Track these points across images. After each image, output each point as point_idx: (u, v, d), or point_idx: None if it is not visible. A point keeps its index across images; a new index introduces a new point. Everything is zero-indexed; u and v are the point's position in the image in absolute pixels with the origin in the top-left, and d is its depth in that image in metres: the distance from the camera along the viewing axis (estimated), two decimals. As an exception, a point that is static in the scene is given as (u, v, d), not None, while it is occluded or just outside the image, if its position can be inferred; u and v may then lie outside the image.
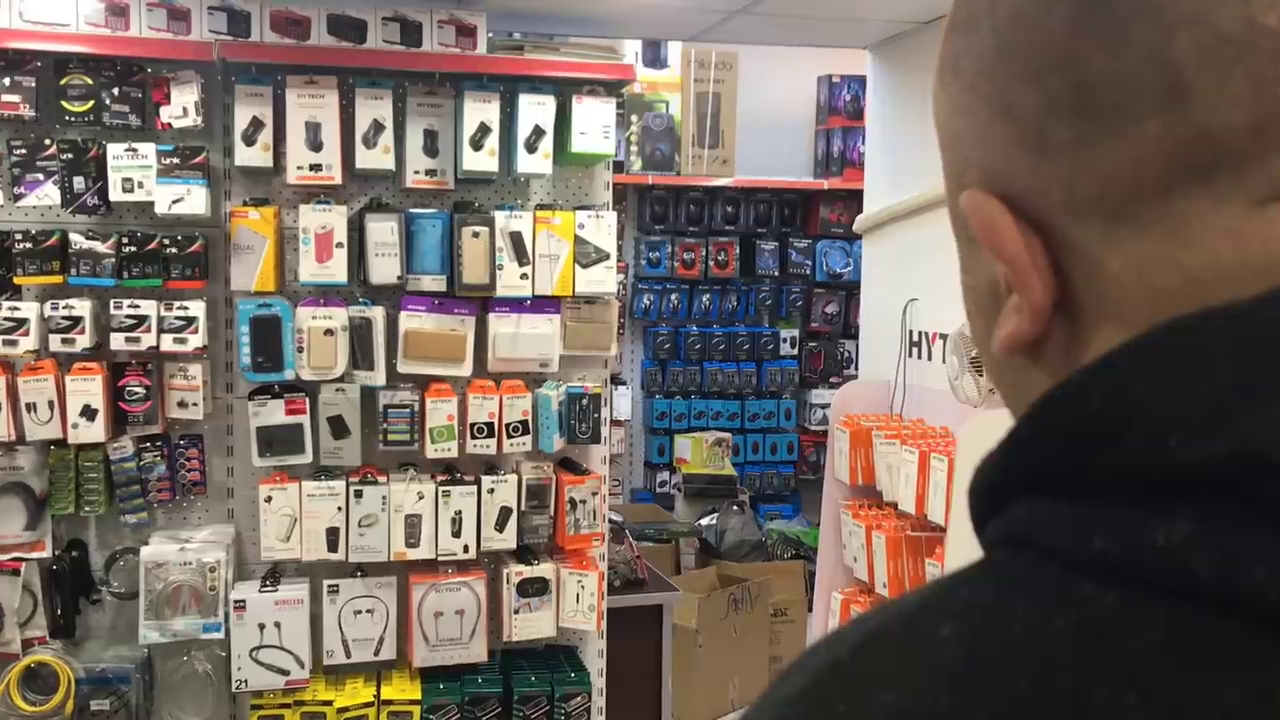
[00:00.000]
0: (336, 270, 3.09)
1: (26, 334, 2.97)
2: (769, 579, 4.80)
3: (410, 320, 3.17)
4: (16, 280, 2.98)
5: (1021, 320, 0.50)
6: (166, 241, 3.04)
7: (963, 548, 2.83)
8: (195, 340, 3.05)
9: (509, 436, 3.23)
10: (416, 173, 3.17)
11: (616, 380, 5.71)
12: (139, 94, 3.03)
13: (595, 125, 3.25)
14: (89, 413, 3.00)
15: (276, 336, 3.09)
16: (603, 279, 3.29)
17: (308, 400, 3.14)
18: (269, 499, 3.12)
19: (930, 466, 3.25)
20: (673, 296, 5.98)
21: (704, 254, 5.95)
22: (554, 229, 3.23)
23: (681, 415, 6.05)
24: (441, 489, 3.20)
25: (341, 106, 3.09)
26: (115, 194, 3.01)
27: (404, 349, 3.17)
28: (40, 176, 2.99)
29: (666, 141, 5.73)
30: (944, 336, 3.43)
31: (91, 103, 3.01)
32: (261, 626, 3.12)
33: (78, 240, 3.00)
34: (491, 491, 3.24)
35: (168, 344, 3.05)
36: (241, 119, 3.05)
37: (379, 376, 3.16)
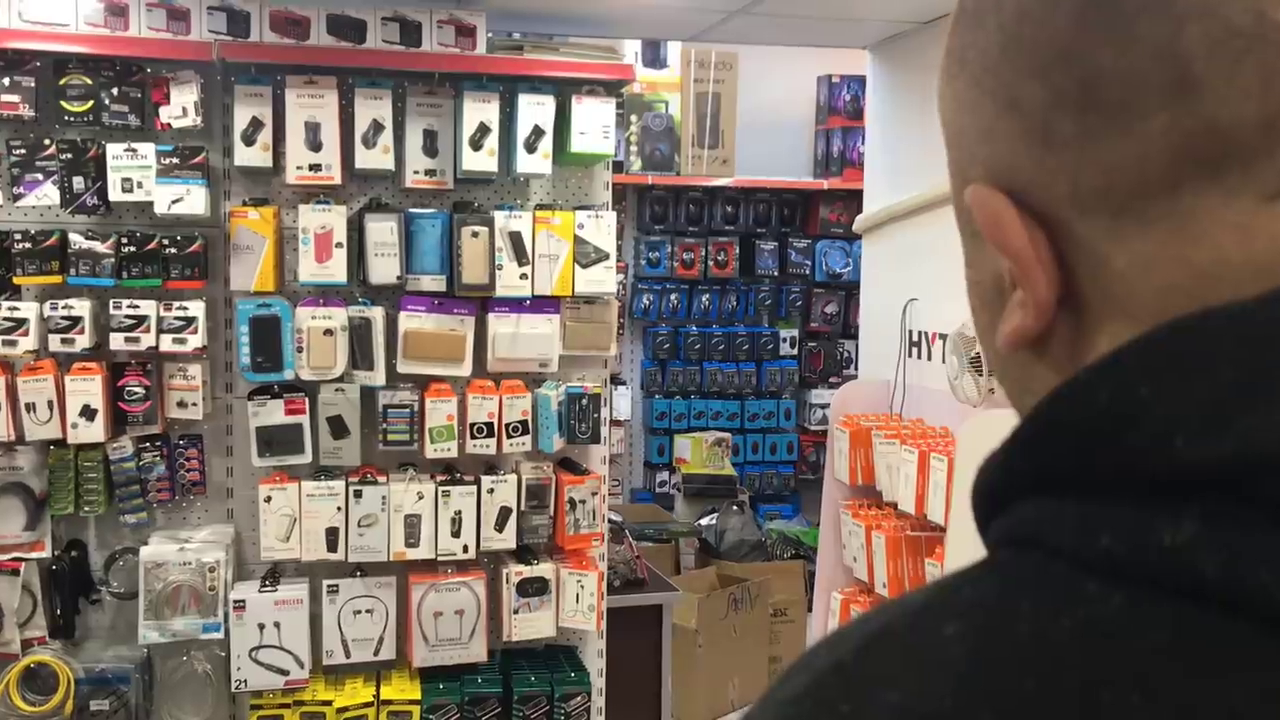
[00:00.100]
0: (336, 270, 3.09)
1: (26, 334, 2.96)
2: (769, 579, 4.80)
3: (410, 320, 3.17)
4: (16, 280, 2.98)
5: (1026, 315, 0.49)
6: (166, 241, 3.04)
7: (963, 548, 2.83)
8: (195, 340, 3.05)
9: (509, 436, 3.23)
10: (416, 173, 3.17)
11: (616, 380, 5.71)
12: (138, 94, 3.03)
13: (595, 125, 3.25)
14: (88, 413, 2.99)
15: (276, 336, 3.08)
16: (602, 279, 3.28)
17: (307, 400, 3.14)
18: (268, 499, 3.12)
19: (930, 466, 3.25)
20: (672, 296, 5.98)
21: (703, 254, 5.95)
22: (553, 229, 3.23)
23: (681, 415, 6.05)
24: (441, 489, 3.20)
25: (341, 106, 3.09)
26: (115, 194, 3.01)
27: (403, 349, 3.17)
28: (40, 176, 2.99)
29: (666, 141, 5.73)
30: (944, 336, 3.43)
31: (91, 103, 3.01)
32: (261, 626, 3.12)
33: (77, 240, 3.00)
34: (491, 491, 3.24)
35: (167, 344, 3.04)
36: (241, 119, 3.05)
37: (379, 376, 3.16)
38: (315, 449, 3.16)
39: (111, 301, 3.02)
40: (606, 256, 3.28)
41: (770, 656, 4.75)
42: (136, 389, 3.07)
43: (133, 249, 3.02)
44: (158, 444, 3.14)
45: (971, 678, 0.42)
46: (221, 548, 3.13)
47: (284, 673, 3.15)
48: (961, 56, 0.52)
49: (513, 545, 3.29)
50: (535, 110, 3.19)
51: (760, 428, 6.16)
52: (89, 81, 3.01)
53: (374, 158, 3.10)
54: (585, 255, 3.26)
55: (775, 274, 6.07)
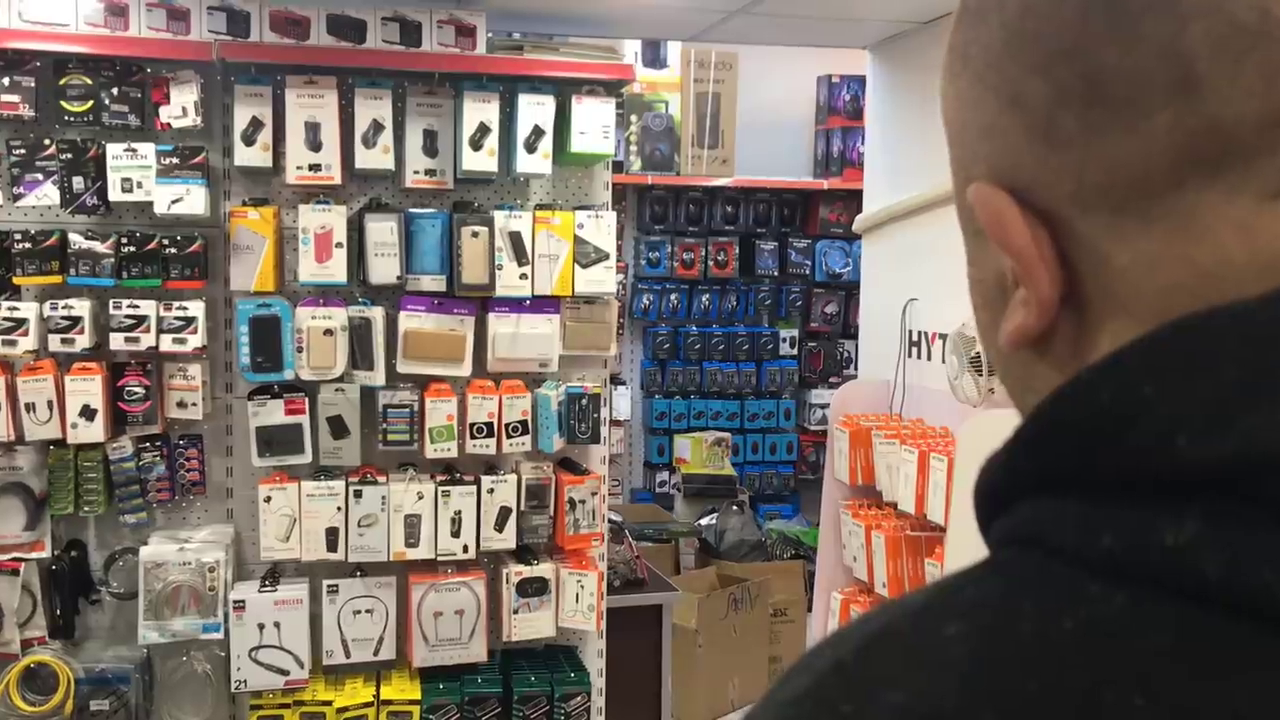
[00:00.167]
0: (336, 270, 3.09)
1: (26, 334, 2.96)
2: (769, 579, 4.80)
3: (410, 320, 3.17)
4: (16, 280, 2.98)
5: (1029, 314, 0.49)
6: (166, 241, 3.04)
7: (962, 548, 2.83)
8: (195, 340, 3.04)
9: (508, 436, 3.23)
10: (416, 173, 3.17)
11: (616, 380, 5.71)
12: (138, 94, 3.03)
13: (595, 125, 3.24)
14: (88, 413, 2.99)
15: (276, 336, 3.08)
16: (602, 279, 3.28)
17: (307, 400, 3.14)
18: (268, 499, 3.11)
19: (930, 466, 3.24)
20: (672, 296, 5.98)
21: (703, 254, 5.95)
22: (553, 229, 3.23)
23: (681, 415, 6.05)
24: (441, 489, 3.19)
25: (341, 106, 3.09)
26: (114, 194, 3.00)
27: (403, 349, 3.17)
28: (39, 176, 2.99)
29: (666, 141, 5.73)
30: (943, 336, 3.43)
31: (91, 103, 3.01)
32: (261, 626, 3.12)
33: (77, 240, 2.99)
34: (491, 491, 3.23)
35: (167, 344, 3.04)
36: (241, 119, 3.05)
37: (378, 376, 3.16)
38: (315, 449, 3.16)
39: (111, 301, 3.02)
40: (606, 256, 3.28)
41: (770, 656, 4.75)
42: (136, 389, 3.07)
43: (133, 249, 3.02)
44: (158, 444, 3.14)
45: (973, 678, 0.41)
46: (221, 548, 3.13)
47: (284, 673, 3.15)
48: (964, 53, 0.52)
49: (513, 545, 3.28)
50: (535, 110, 3.19)
51: (760, 428, 6.16)
52: (89, 81, 3.00)
53: (374, 158, 3.10)
54: (585, 255, 3.26)
55: (775, 274, 6.07)
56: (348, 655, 3.22)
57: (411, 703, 3.23)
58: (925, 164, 3.55)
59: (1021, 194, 0.49)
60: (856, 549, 3.64)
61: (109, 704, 3.07)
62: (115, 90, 3.01)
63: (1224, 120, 0.44)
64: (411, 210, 3.19)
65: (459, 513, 3.20)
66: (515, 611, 3.26)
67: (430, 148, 3.17)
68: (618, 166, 5.27)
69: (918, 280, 3.69)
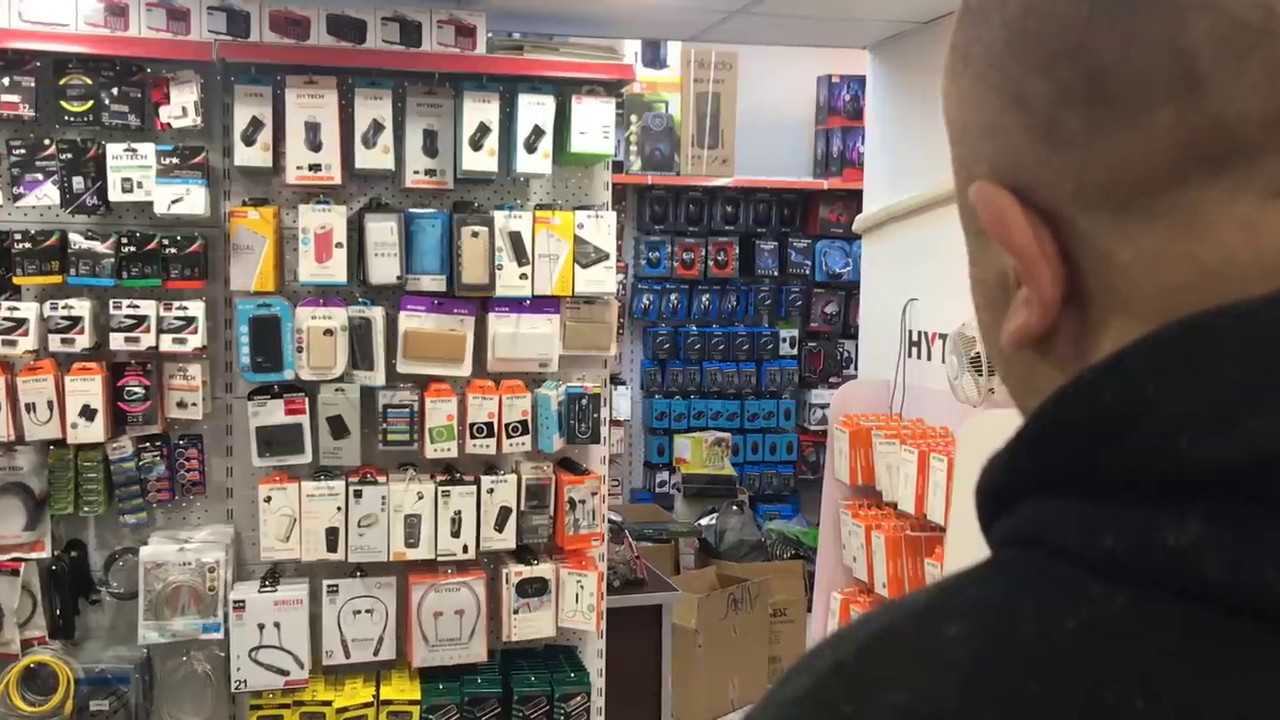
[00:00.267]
0: (336, 270, 3.09)
1: (26, 334, 2.96)
2: (768, 579, 4.80)
3: (410, 320, 3.17)
4: (16, 280, 2.98)
5: (1031, 313, 0.49)
6: (166, 241, 3.04)
7: (963, 548, 2.83)
8: (195, 340, 3.04)
9: (508, 436, 3.23)
10: (416, 173, 3.17)
11: (616, 380, 5.71)
12: (138, 94, 3.03)
13: (595, 125, 3.24)
14: (88, 413, 2.99)
15: (276, 336, 3.08)
16: (602, 279, 3.28)
17: (307, 400, 3.14)
18: (268, 499, 3.11)
19: (930, 466, 3.24)
20: (672, 296, 5.98)
21: (703, 254, 5.94)
22: (553, 229, 3.23)
23: (681, 415, 6.05)
24: (441, 489, 3.19)
25: (341, 106, 3.08)
26: (114, 194, 3.00)
27: (403, 349, 3.16)
28: (39, 176, 2.99)
29: (666, 141, 5.72)
30: (943, 336, 3.43)
31: (91, 103, 3.01)
32: (261, 627, 3.12)
33: (77, 240, 2.99)
34: (491, 491, 3.23)
35: (167, 344, 3.04)
36: (241, 119, 3.05)
37: (378, 376, 3.16)
38: (315, 449, 3.16)
39: (111, 301, 3.02)
40: (606, 256, 3.28)
41: (770, 656, 4.75)
42: (136, 389, 3.07)
43: (133, 249, 3.02)
44: (158, 444, 3.14)
45: (975, 678, 0.41)
46: (221, 548, 3.13)
47: (284, 673, 3.15)
48: (966, 52, 0.52)
49: (512, 545, 3.28)
50: (535, 110, 3.18)
51: (760, 428, 6.16)
52: (89, 81, 3.00)
53: (374, 158, 3.10)
54: (585, 255, 3.26)
55: (775, 274, 6.06)
56: (347, 655, 3.22)
57: (411, 703, 3.23)
58: (925, 164, 3.55)
59: (1023, 193, 0.49)
60: (856, 549, 3.64)
61: (109, 704, 3.07)
62: (115, 90, 3.01)
63: (1227, 118, 0.43)
64: (411, 210, 3.19)
65: (459, 513, 3.20)
66: (515, 611, 3.25)
67: (430, 148, 3.17)
68: (618, 166, 5.27)
69: (918, 280, 3.69)
